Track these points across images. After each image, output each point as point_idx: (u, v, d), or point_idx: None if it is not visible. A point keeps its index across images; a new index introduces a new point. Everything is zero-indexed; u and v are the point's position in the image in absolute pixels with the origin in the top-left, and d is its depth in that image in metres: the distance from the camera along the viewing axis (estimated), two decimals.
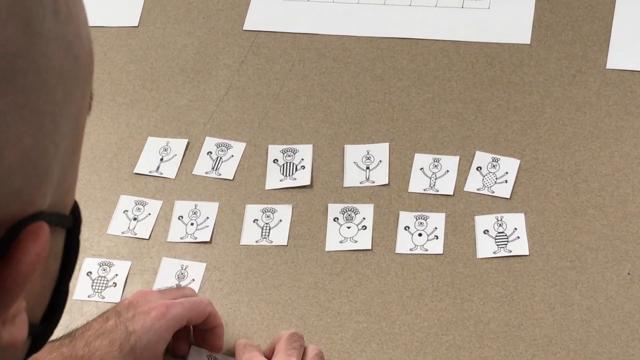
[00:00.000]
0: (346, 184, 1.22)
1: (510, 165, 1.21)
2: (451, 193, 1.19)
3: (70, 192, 0.50)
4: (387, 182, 1.21)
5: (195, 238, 1.19)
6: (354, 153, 1.24)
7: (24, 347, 0.52)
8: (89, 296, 1.15)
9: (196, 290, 1.13)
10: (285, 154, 1.25)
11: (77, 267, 1.18)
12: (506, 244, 1.15)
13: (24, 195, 0.45)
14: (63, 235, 0.51)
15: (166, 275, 1.16)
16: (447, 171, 1.21)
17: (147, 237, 1.19)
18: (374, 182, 1.21)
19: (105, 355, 0.94)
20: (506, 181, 1.20)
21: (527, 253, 1.14)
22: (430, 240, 1.16)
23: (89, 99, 0.50)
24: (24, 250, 0.44)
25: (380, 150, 1.24)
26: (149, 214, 1.21)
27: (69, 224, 0.51)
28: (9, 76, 0.43)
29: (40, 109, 0.45)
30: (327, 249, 1.16)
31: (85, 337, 0.96)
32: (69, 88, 0.47)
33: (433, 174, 1.21)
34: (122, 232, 1.20)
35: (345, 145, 1.25)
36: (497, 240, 1.15)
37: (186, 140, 1.27)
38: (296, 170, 1.23)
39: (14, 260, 0.44)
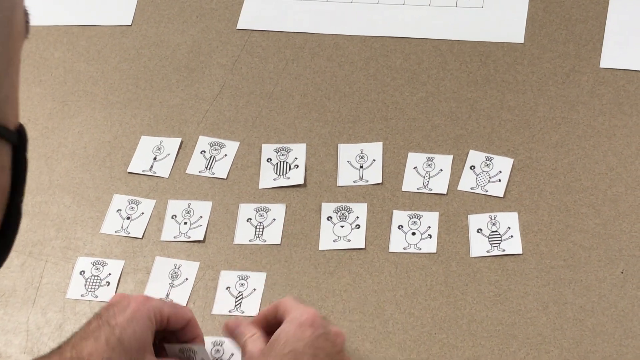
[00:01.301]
0: (340, 183, 1.22)
1: (503, 164, 1.21)
2: (445, 192, 1.19)
3: (9, 105, 0.51)
4: (380, 181, 1.21)
5: (189, 237, 1.19)
6: (347, 152, 1.24)
7: None
8: (82, 295, 1.15)
9: (190, 289, 1.13)
10: (278, 153, 1.25)
11: (70, 266, 1.18)
12: (499, 243, 1.15)
13: None
14: (9, 150, 0.53)
15: (159, 274, 1.16)
16: (441, 170, 1.21)
17: (141, 236, 1.19)
18: (367, 181, 1.21)
19: (93, 353, 0.94)
20: (500, 180, 1.20)
21: (521, 252, 1.14)
22: (424, 239, 1.16)
23: (24, 18, 0.51)
24: None
25: (374, 149, 1.24)
26: (142, 213, 1.21)
27: (14, 140, 0.52)
28: None
29: None
30: (320, 247, 1.16)
31: (70, 343, 0.96)
32: None
33: (426, 173, 1.21)
34: (116, 231, 1.20)
35: (338, 144, 1.25)
36: (490, 239, 1.15)
37: (180, 139, 1.27)
38: (290, 169, 1.23)
39: None
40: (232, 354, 1.08)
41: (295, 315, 1.00)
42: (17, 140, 0.53)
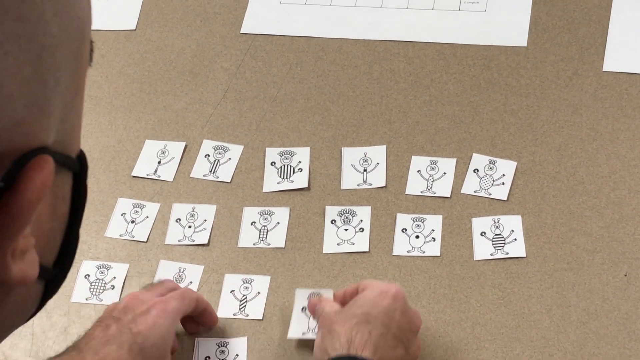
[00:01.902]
0: (343, 186, 1.22)
1: (507, 168, 1.21)
2: (448, 195, 1.20)
3: (74, 135, 0.52)
4: (384, 185, 1.21)
5: (193, 240, 1.19)
6: (351, 155, 1.24)
7: (38, 292, 0.53)
8: (86, 299, 1.15)
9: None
10: (282, 157, 1.25)
11: (75, 269, 1.18)
12: (503, 246, 1.15)
13: (26, 126, 0.46)
14: (70, 179, 0.53)
15: (164, 277, 1.16)
16: (444, 173, 1.21)
17: (145, 240, 1.19)
18: (371, 184, 1.22)
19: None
20: (503, 183, 1.20)
21: (524, 255, 1.14)
22: (428, 242, 1.16)
23: (89, 46, 0.52)
24: (30, 179, 0.46)
25: (378, 153, 1.24)
26: (147, 217, 1.21)
27: (76, 167, 0.53)
28: (4, 5, 0.44)
29: (38, 39, 0.46)
30: (324, 251, 1.17)
31: (92, 347, 0.96)
32: (65, 24, 0.48)
33: (430, 176, 1.22)
34: (120, 235, 1.20)
35: (342, 148, 1.25)
36: (494, 242, 1.15)
37: (184, 143, 1.28)
38: (294, 172, 1.24)
39: (20, 189, 0.46)
40: (237, 355, 1.09)
41: (378, 285, 1.01)
42: (79, 168, 0.54)
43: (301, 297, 1.09)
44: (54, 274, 0.54)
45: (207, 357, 1.05)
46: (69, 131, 0.51)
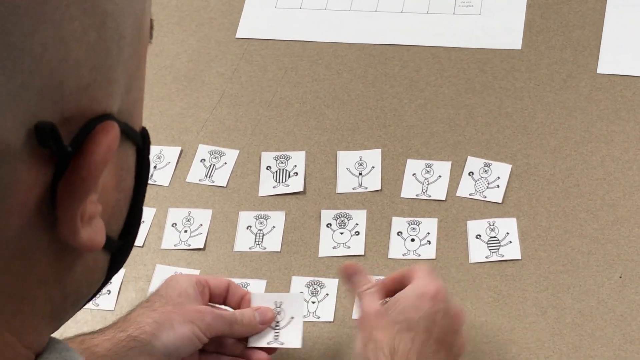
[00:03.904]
0: (339, 190, 1.22)
1: (502, 170, 1.22)
2: (443, 198, 1.20)
3: (137, 108, 0.54)
4: (379, 188, 1.22)
5: (189, 245, 1.19)
6: (346, 159, 1.25)
7: (104, 263, 0.55)
8: None
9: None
10: (278, 161, 1.25)
11: None
12: (498, 249, 1.15)
13: (92, 91, 0.48)
14: (134, 153, 0.55)
15: (160, 282, 1.16)
16: (440, 176, 1.22)
17: (141, 245, 1.20)
18: (366, 188, 1.22)
19: (136, 311, 0.99)
20: (498, 186, 1.20)
21: (519, 257, 1.14)
22: (423, 245, 1.16)
23: (149, 22, 0.54)
24: (96, 143, 0.48)
25: (373, 157, 1.24)
26: (143, 222, 1.21)
27: (139, 141, 0.55)
28: None
29: (102, 5, 0.48)
30: (320, 254, 1.17)
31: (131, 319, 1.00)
32: None
33: (425, 179, 1.22)
34: None
35: (337, 152, 1.25)
36: (489, 245, 1.16)
37: (179, 148, 1.28)
38: (289, 176, 1.24)
39: (88, 151, 0.48)
40: None
41: (419, 284, 0.99)
42: (142, 142, 0.55)
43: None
44: (119, 246, 0.56)
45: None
46: (132, 103, 0.53)
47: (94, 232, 0.51)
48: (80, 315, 1.16)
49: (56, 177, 0.48)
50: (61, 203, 0.48)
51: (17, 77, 0.45)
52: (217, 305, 1.05)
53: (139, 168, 0.56)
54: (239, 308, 1.05)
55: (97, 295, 0.59)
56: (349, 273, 1.04)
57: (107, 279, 0.57)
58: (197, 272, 1.17)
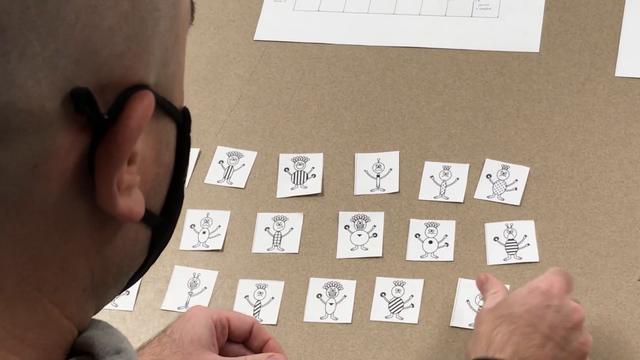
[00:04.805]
0: (357, 192, 1.22)
1: (520, 173, 1.22)
2: (461, 200, 1.20)
3: (176, 83, 0.55)
4: (397, 190, 1.22)
5: (207, 246, 1.20)
6: (364, 161, 1.25)
7: (145, 238, 0.56)
8: None
9: (208, 298, 1.14)
10: (296, 163, 1.26)
11: None
12: (516, 251, 1.15)
13: (126, 60, 0.49)
14: (174, 129, 0.56)
15: (178, 283, 1.17)
16: (457, 179, 1.22)
17: None
18: (384, 190, 1.22)
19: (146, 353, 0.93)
20: (516, 188, 1.20)
21: (537, 260, 1.14)
22: (441, 247, 1.17)
23: (189, 1, 0.55)
24: (131, 109, 0.49)
25: (391, 159, 1.25)
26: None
27: (179, 118, 0.56)
28: None
29: None
30: (338, 256, 1.17)
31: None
32: None
33: (443, 181, 1.22)
34: None
35: (355, 154, 1.26)
36: (507, 248, 1.16)
37: (198, 150, 1.28)
38: (307, 178, 1.24)
39: (123, 117, 0.49)
40: None
41: (535, 280, 0.99)
42: (182, 120, 0.56)
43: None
44: (160, 223, 0.56)
45: None
46: (170, 77, 0.54)
47: (133, 201, 0.51)
48: (99, 315, 1.16)
49: (94, 144, 0.49)
50: (98, 170, 0.49)
51: (51, 43, 0.46)
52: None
53: (179, 146, 0.56)
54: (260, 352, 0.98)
55: (139, 279, 0.59)
56: (481, 281, 1.05)
57: (149, 257, 0.57)
58: (215, 273, 1.17)
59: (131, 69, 0.49)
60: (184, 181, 0.57)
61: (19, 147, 0.47)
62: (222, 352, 0.96)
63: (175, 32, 0.53)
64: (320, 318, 1.13)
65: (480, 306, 1.10)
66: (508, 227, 1.17)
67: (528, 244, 1.16)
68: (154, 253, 0.57)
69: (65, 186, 0.49)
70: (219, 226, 1.21)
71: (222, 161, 1.27)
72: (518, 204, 1.19)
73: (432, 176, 1.23)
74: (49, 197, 0.49)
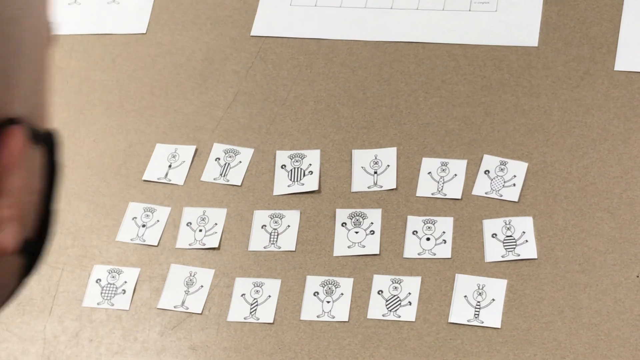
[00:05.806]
0: (354, 188, 1.22)
1: (518, 169, 1.21)
2: (459, 197, 1.19)
3: (42, 110, 0.54)
4: (394, 187, 1.21)
5: (204, 244, 1.19)
6: (361, 158, 1.24)
7: (15, 267, 0.54)
8: (98, 303, 1.16)
9: (205, 296, 1.14)
10: (293, 160, 1.25)
11: (86, 274, 1.18)
12: (514, 248, 1.15)
13: None
14: (41, 155, 0.55)
15: (175, 281, 1.16)
16: (455, 175, 1.21)
17: (156, 244, 1.20)
18: (381, 186, 1.21)
19: None
20: (514, 184, 1.20)
21: (536, 256, 1.14)
22: (439, 244, 1.16)
23: (50, 25, 0.53)
24: (4, 146, 0.48)
25: (388, 155, 1.24)
26: (158, 221, 1.21)
27: (48, 143, 0.55)
28: None
29: None
30: (335, 254, 1.17)
31: None
32: None
33: (441, 178, 1.21)
34: (131, 239, 1.20)
35: (352, 150, 1.25)
36: (505, 244, 1.15)
37: (194, 147, 1.28)
38: (304, 175, 1.23)
39: None
40: None
41: None
42: (50, 144, 0.56)
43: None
44: (31, 249, 0.55)
45: None
46: (38, 106, 0.53)
47: (4, 236, 0.50)
48: (95, 315, 1.16)
49: None
50: None
51: None
52: None
53: (48, 170, 0.55)
54: None
55: (8, 304, 0.59)
56: None
57: (20, 285, 0.56)
58: (212, 271, 1.16)
59: None
60: (55, 204, 0.57)
61: None
62: None
63: (41, 58, 0.52)
64: (317, 316, 1.13)
65: (478, 302, 1.10)
66: (506, 224, 1.16)
67: (526, 241, 1.15)
68: (25, 280, 0.56)
69: None
70: (216, 224, 1.21)
71: (219, 158, 1.27)
72: (516, 200, 1.18)
73: (429, 172, 1.22)
74: None
